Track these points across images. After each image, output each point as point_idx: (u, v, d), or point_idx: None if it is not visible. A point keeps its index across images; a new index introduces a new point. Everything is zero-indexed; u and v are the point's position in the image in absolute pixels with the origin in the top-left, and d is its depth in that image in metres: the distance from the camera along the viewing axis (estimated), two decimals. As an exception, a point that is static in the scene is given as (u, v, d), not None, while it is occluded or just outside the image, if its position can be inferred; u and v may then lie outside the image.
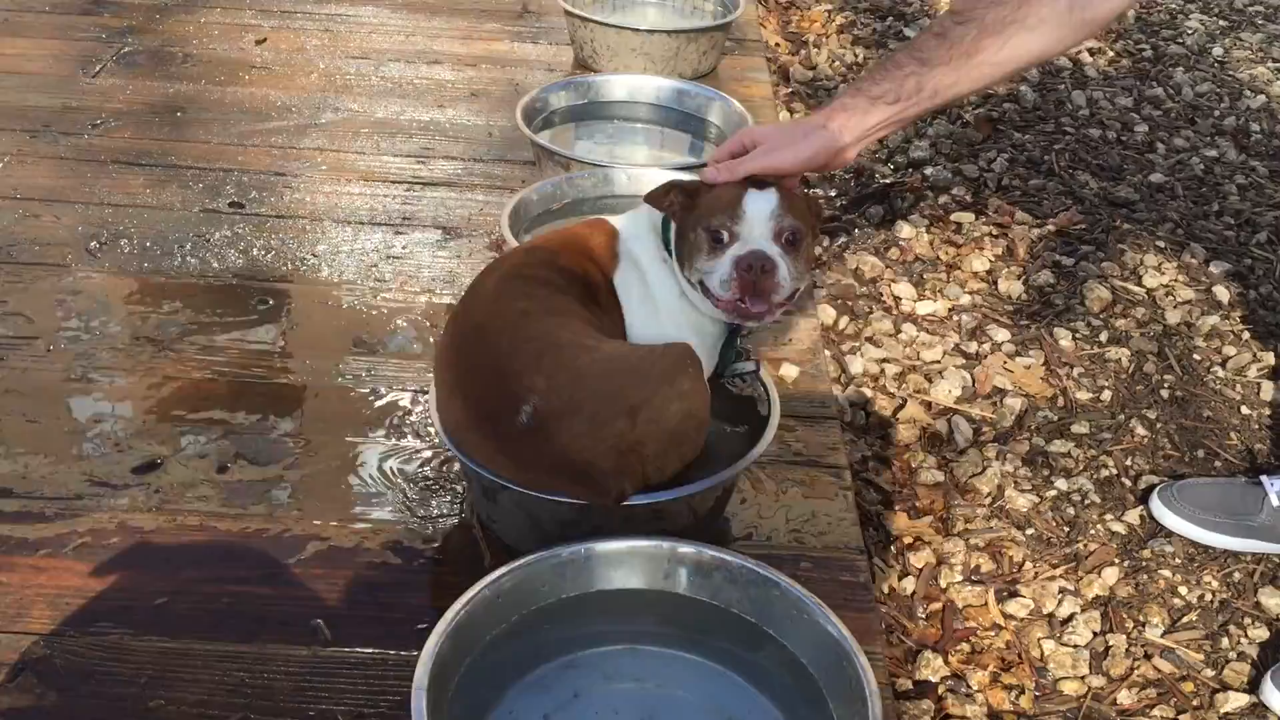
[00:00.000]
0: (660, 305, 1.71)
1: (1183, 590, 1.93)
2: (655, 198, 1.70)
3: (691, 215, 1.67)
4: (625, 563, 1.54)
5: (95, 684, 1.49)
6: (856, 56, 3.82)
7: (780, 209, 1.62)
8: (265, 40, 3.37)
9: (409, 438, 1.91)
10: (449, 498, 1.80)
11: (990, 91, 3.61)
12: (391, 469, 1.85)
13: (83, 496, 1.76)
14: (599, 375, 1.54)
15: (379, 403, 1.98)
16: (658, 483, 1.59)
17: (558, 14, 3.37)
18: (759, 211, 1.61)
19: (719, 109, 2.75)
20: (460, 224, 2.52)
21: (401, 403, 1.98)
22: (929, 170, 3.12)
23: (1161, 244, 2.87)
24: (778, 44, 3.87)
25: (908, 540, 1.98)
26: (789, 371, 2.12)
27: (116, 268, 2.30)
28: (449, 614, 1.40)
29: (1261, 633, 1.87)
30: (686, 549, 1.53)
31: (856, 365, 2.38)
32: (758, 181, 1.66)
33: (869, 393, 2.32)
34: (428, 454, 1.88)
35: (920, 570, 1.93)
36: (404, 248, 2.42)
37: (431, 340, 2.12)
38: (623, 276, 1.72)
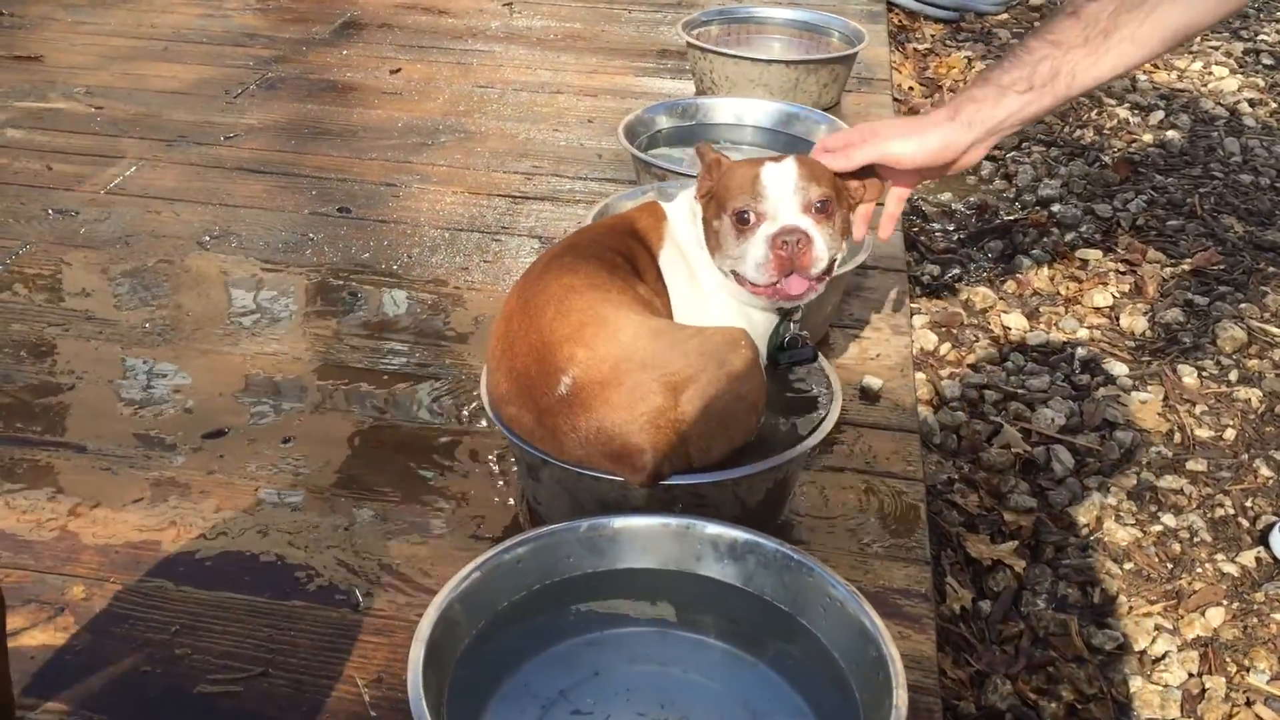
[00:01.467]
0: (705, 291, 1.65)
1: (1297, 635, 1.74)
2: (699, 181, 1.64)
3: (712, 201, 1.61)
4: (655, 541, 1.46)
5: (128, 628, 1.50)
6: (993, 101, 3.71)
7: (803, 178, 1.53)
8: (400, 70, 3.49)
9: (466, 424, 1.89)
10: (501, 481, 1.77)
11: (1134, 136, 3.46)
12: (447, 450, 1.83)
13: (151, 456, 1.80)
14: (643, 349, 1.49)
15: (445, 391, 1.97)
16: (704, 465, 1.52)
17: (685, 53, 3.38)
18: (782, 184, 1.53)
19: (826, 132, 2.69)
20: (556, 234, 2.52)
21: (468, 392, 1.97)
22: (1057, 208, 2.98)
23: (1309, 289, 2.67)
24: (910, 88, 3.80)
25: (988, 564, 1.85)
26: (871, 383, 2.02)
27: (222, 257, 2.37)
28: (460, 574, 1.36)
29: (1387, 688, 1.67)
30: (718, 529, 1.45)
31: (953, 389, 2.26)
32: (776, 157, 1.59)
33: (963, 416, 2.19)
34: (483, 438, 1.85)
35: (999, 594, 1.80)
36: (497, 254, 2.43)
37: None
38: (668, 258, 1.67)
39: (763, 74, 3.11)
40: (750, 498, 1.59)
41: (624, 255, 1.64)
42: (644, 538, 1.46)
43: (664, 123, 2.74)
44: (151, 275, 2.30)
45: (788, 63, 3.13)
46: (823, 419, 1.65)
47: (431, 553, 1.64)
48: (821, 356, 1.78)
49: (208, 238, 2.45)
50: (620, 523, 1.44)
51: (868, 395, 1.99)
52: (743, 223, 1.55)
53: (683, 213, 1.70)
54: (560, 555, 1.44)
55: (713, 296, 1.65)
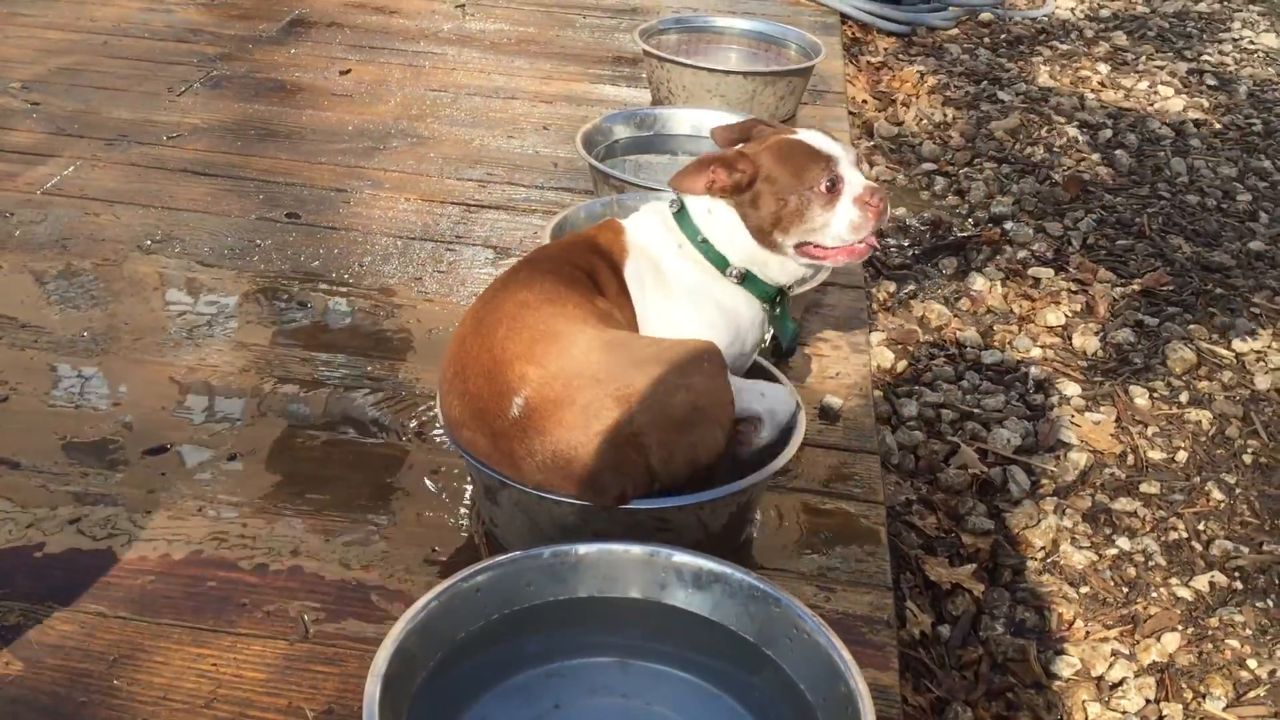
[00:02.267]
0: (679, 293, 1.64)
1: (1252, 663, 1.75)
2: (690, 179, 1.61)
3: (759, 190, 1.60)
4: (618, 569, 1.43)
5: (63, 657, 1.43)
6: (945, 116, 3.73)
7: (842, 142, 1.63)
8: (350, 71, 3.42)
9: (418, 441, 1.84)
10: (454, 500, 1.72)
11: (1083, 154, 3.49)
12: (398, 468, 1.78)
13: (88, 474, 1.73)
14: (595, 362, 1.46)
15: (396, 406, 1.92)
16: (669, 486, 1.49)
17: (641, 60, 3.35)
18: (838, 149, 1.61)
19: (786, 144, 2.67)
20: (512, 244, 2.47)
21: (418, 408, 1.92)
22: (1009, 225, 3.00)
23: (1257, 310, 2.70)
24: (864, 101, 3.80)
25: (947, 587, 1.83)
26: (832, 403, 2.00)
27: (164, 262, 2.30)
28: (418, 604, 1.31)
29: (1340, 715, 1.68)
30: (684, 557, 1.42)
31: (910, 409, 2.25)
32: (780, 130, 1.66)
33: (921, 436, 2.18)
34: (436, 455, 1.80)
35: (958, 618, 1.78)
36: (451, 263, 2.38)
37: (463, 350, 2.06)
38: (634, 268, 1.65)
39: (720, 84, 3.09)
40: (714, 522, 1.56)
41: (584, 269, 1.61)
42: (608, 565, 1.43)
43: (622, 132, 2.70)
44: (88, 281, 2.22)
45: (745, 74, 3.12)
46: (788, 441, 1.63)
47: (384, 576, 1.59)
48: (785, 378, 1.76)
49: (149, 242, 2.38)
50: (584, 549, 1.40)
51: (828, 415, 1.97)
52: (832, 190, 1.58)
53: (647, 224, 1.68)
54: (521, 583, 1.40)
55: (689, 298, 1.63)
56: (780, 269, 1.66)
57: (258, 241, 2.41)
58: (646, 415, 1.42)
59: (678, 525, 1.51)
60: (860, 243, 1.61)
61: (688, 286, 1.64)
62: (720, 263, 1.66)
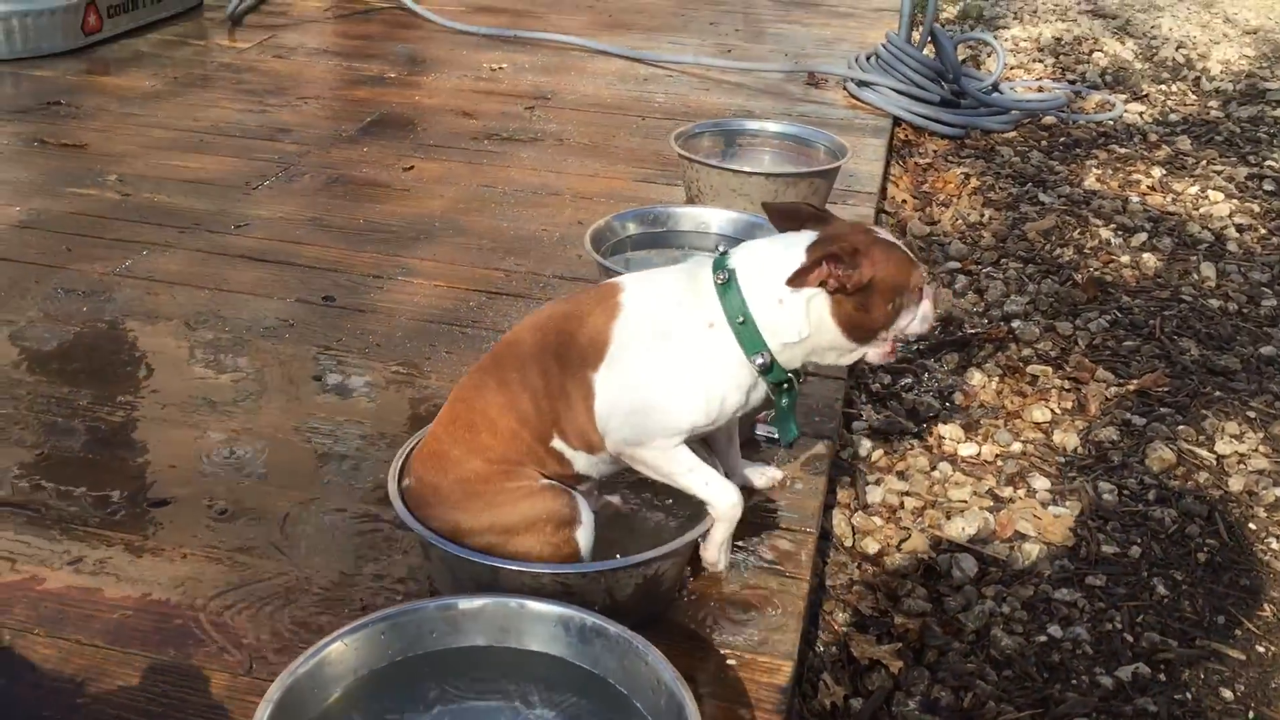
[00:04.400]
0: (675, 358, 1.71)
1: (1156, 752, 1.80)
2: (805, 276, 1.64)
3: (874, 285, 1.66)
4: (515, 621, 1.59)
5: (38, 677, 1.65)
6: (982, 217, 3.83)
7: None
8: (412, 168, 3.71)
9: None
10: (405, 556, 1.91)
11: (1112, 256, 3.54)
12: (371, 530, 1.97)
13: (99, 518, 1.97)
14: (448, 495, 1.73)
15: (378, 473, 2.12)
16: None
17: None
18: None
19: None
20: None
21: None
22: (1018, 324, 3.08)
23: (1252, 414, 2.72)
24: (905, 201, 3.93)
25: (866, 663, 1.93)
26: (774, 474, 2.13)
27: (202, 338, 2.57)
28: (321, 643, 1.49)
29: (1233, 807, 1.71)
30: (570, 612, 1.57)
31: (875, 495, 2.36)
32: (864, 229, 1.75)
33: (879, 521, 2.29)
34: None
35: (871, 693, 1.88)
36: (464, 345, 2.59)
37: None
38: (625, 327, 1.71)
39: (743, 184, 3.27)
40: (619, 591, 1.71)
41: (548, 347, 1.74)
42: (502, 618, 1.59)
43: (632, 229, 2.90)
44: (132, 351, 2.50)
45: (767, 175, 3.29)
46: (700, 525, 1.77)
47: (336, 624, 1.77)
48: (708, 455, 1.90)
49: (194, 320, 2.66)
50: (465, 604, 1.57)
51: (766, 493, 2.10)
52: (920, 296, 1.73)
53: (670, 288, 1.75)
54: (423, 630, 1.57)
55: (694, 370, 1.70)
56: (836, 357, 1.75)
57: (291, 321, 2.67)
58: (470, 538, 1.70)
59: (582, 591, 1.66)
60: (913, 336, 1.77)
61: (690, 354, 1.70)
62: (753, 347, 1.69)
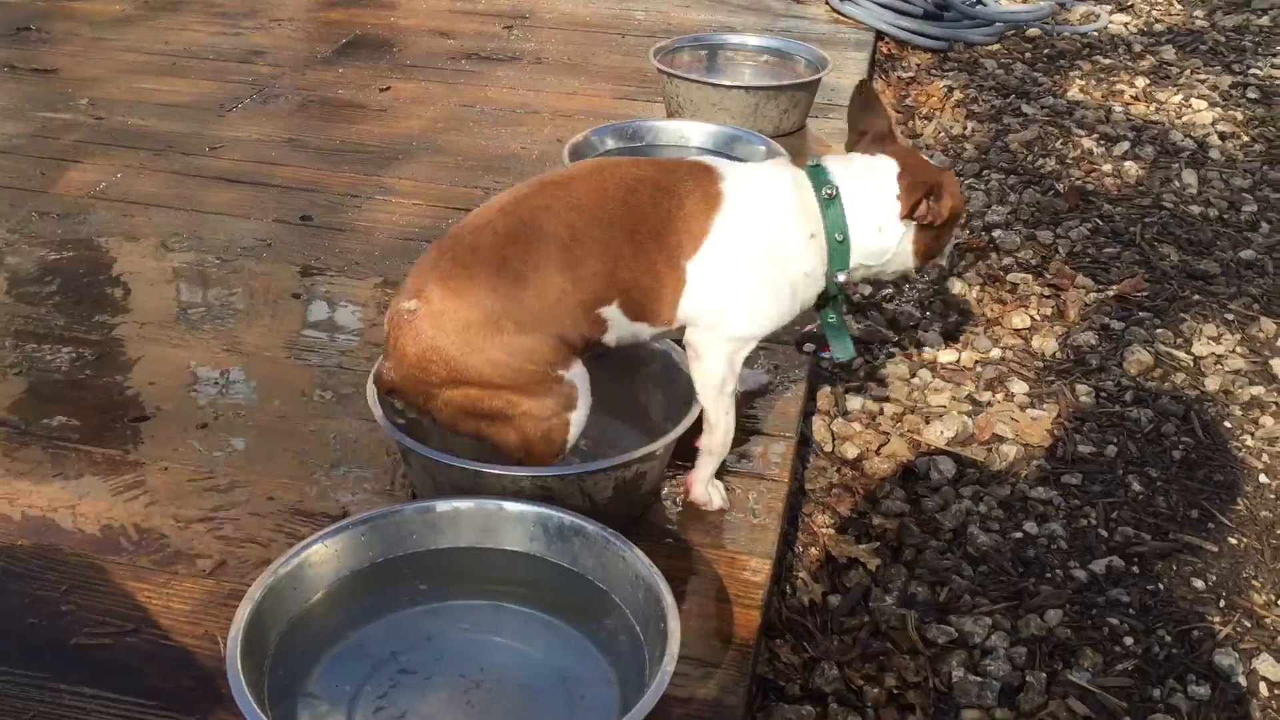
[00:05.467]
0: (782, 271, 1.74)
1: (1128, 640, 1.83)
2: (913, 211, 1.75)
3: (940, 223, 1.78)
4: (494, 522, 1.60)
5: (23, 585, 1.67)
6: (965, 129, 3.81)
7: None
8: (389, 89, 3.67)
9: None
10: (388, 462, 1.92)
11: (1094, 166, 3.53)
12: (360, 445, 1.98)
13: (79, 435, 1.98)
14: (466, 336, 1.63)
15: (357, 383, 2.13)
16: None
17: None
18: None
19: (765, 154, 2.82)
20: (498, 245, 2.67)
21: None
22: (999, 233, 3.08)
23: (1230, 317, 2.73)
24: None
25: (844, 562, 1.96)
26: (763, 379, 2.14)
27: (182, 258, 2.56)
28: (303, 543, 1.51)
29: (1203, 690, 1.75)
30: (548, 512, 1.59)
31: (855, 403, 2.37)
32: (925, 162, 1.84)
33: (859, 427, 2.30)
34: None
35: (849, 589, 1.91)
36: (438, 261, 2.58)
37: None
38: (728, 222, 1.71)
39: (723, 99, 3.24)
40: (598, 494, 1.72)
41: (639, 224, 1.69)
42: (483, 519, 1.61)
43: (611, 144, 2.88)
44: (111, 274, 2.49)
45: (747, 88, 3.27)
46: (677, 428, 1.78)
47: (315, 530, 1.79)
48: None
49: (172, 239, 2.64)
50: (443, 506, 1.59)
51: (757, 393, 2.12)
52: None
53: (779, 190, 1.75)
54: (403, 532, 1.59)
55: (776, 276, 1.74)
56: (891, 278, 1.93)
57: (268, 241, 2.66)
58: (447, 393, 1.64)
59: (560, 493, 1.67)
60: None
61: (789, 261, 1.74)
62: (841, 263, 1.77)
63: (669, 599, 1.44)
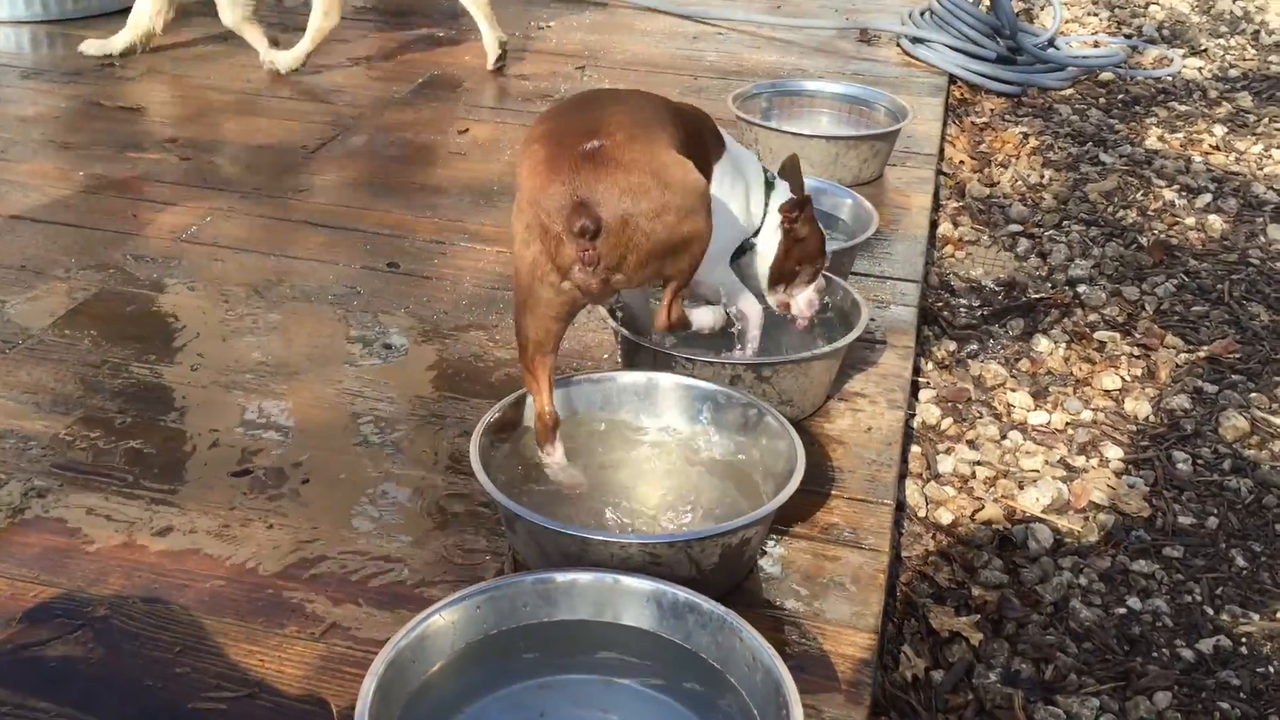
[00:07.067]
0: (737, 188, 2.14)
1: (1240, 726, 1.80)
2: (791, 201, 2.18)
3: (797, 244, 2.17)
4: (609, 596, 1.60)
5: (138, 645, 1.68)
6: (1042, 178, 3.79)
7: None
8: (467, 131, 3.70)
9: (466, 475, 2.04)
10: (496, 532, 1.92)
11: (1177, 219, 3.50)
12: (453, 500, 1.99)
13: (180, 489, 2.00)
14: (656, 171, 1.76)
15: (458, 443, 2.14)
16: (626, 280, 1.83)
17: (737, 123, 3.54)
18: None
19: (850, 209, 2.81)
20: (585, 297, 2.67)
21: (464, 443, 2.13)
22: (1084, 289, 3.05)
23: (1326, 381, 2.69)
24: (962, 161, 3.89)
25: (946, 635, 1.94)
26: (843, 453, 2.13)
27: (271, 305, 2.58)
28: (419, 617, 1.51)
29: (1320, 782, 1.71)
30: (663, 588, 1.58)
31: (946, 464, 2.35)
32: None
33: (951, 492, 2.28)
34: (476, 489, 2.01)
35: (953, 665, 1.89)
36: (527, 313, 2.59)
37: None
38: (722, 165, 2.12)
39: (804, 148, 3.23)
40: (704, 560, 1.72)
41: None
42: (596, 592, 1.60)
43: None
44: (202, 319, 2.52)
45: (827, 138, 3.26)
46: (783, 489, 1.78)
47: (425, 599, 1.79)
48: (794, 432, 1.90)
49: (265, 286, 2.67)
50: (560, 578, 1.58)
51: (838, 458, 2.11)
52: (806, 280, 2.21)
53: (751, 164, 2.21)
54: (517, 604, 1.59)
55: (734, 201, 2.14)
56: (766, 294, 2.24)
57: (358, 288, 2.68)
58: (651, 221, 1.76)
59: (668, 561, 1.67)
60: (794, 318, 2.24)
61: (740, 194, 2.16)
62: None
63: (789, 684, 1.43)
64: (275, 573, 1.83)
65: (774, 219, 2.19)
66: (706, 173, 1.97)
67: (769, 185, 2.21)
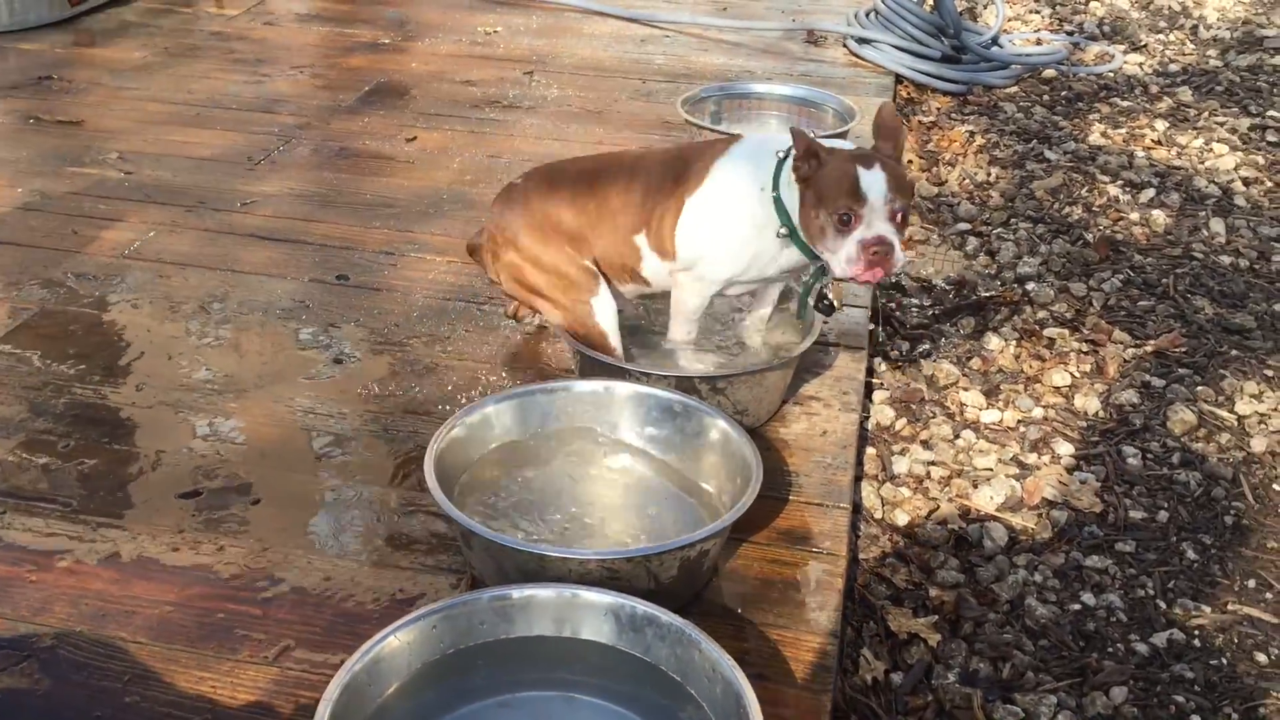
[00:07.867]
0: (725, 216, 2.08)
1: (1195, 719, 1.82)
2: (797, 157, 1.92)
3: (811, 191, 1.91)
4: (567, 611, 1.59)
5: (86, 676, 1.65)
6: (989, 175, 3.82)
7: (892, 187, 1.83)
8: (415, 139, 3.67)
9: (421, 492, 2.02)
10: (447, 553, 1.90)
11: (1121, 214, 3.54)
12: (405, 519, 1.97)
13: (126, 513, 1.96)
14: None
15: (411, 460, 2.11)
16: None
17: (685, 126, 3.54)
18: (876, 190, 1.81)
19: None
20: (537, 305, 2.66)
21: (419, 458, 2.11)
22: (1032, 286, 3.08)
23: (1270, 373, 2.73)
24: (910, 160, 3.91)
25: (904, 637, 1.94)
26: (799, 458, 2.13)
27: (219, 321, 2.54)
28: (374, 638, 1.49)
29: (1274, 773, 1.74)
30: (621, 601, 1.57)
31: (901, 465, 2.36)
32: (861, 156, 1.85)
33: (907, 493, 2.29)
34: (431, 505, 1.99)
35: (911, 667, 1.89)
36: (482, 323, 2.58)
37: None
38: (702, 198, 2.09)
39: (753, 151, 3.24)
40: (663, 573, 1.71)
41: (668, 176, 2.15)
42: (555, 608, 1.59)
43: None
44: (148, 337, 2.48)
45: (776, 141, 3.26)
46: (741, 498, 1.77)
47: (382, 618, 1.77)
48: (751, 441, 1.90)
49: (211, 302, 2.63)
50: (517, 594, 1.57)
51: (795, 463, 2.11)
52: (844, 224, 1.86)
53: (745, 160, 2.08)
54: (474, 622, 1.57)
55: (732, 229, 2.08)
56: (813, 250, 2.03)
57: (306, 302, 2.65)
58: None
59: (627, 575, 1.66)
60: (849, 278, 1.90)
61: (737, 221, 2.07)
62: (782, 219, 2.00)
63: (750, 695, 1.42)
64: (226, 596, 1.80)
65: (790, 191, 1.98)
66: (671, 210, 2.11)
67: (779, 163, 2.01)
